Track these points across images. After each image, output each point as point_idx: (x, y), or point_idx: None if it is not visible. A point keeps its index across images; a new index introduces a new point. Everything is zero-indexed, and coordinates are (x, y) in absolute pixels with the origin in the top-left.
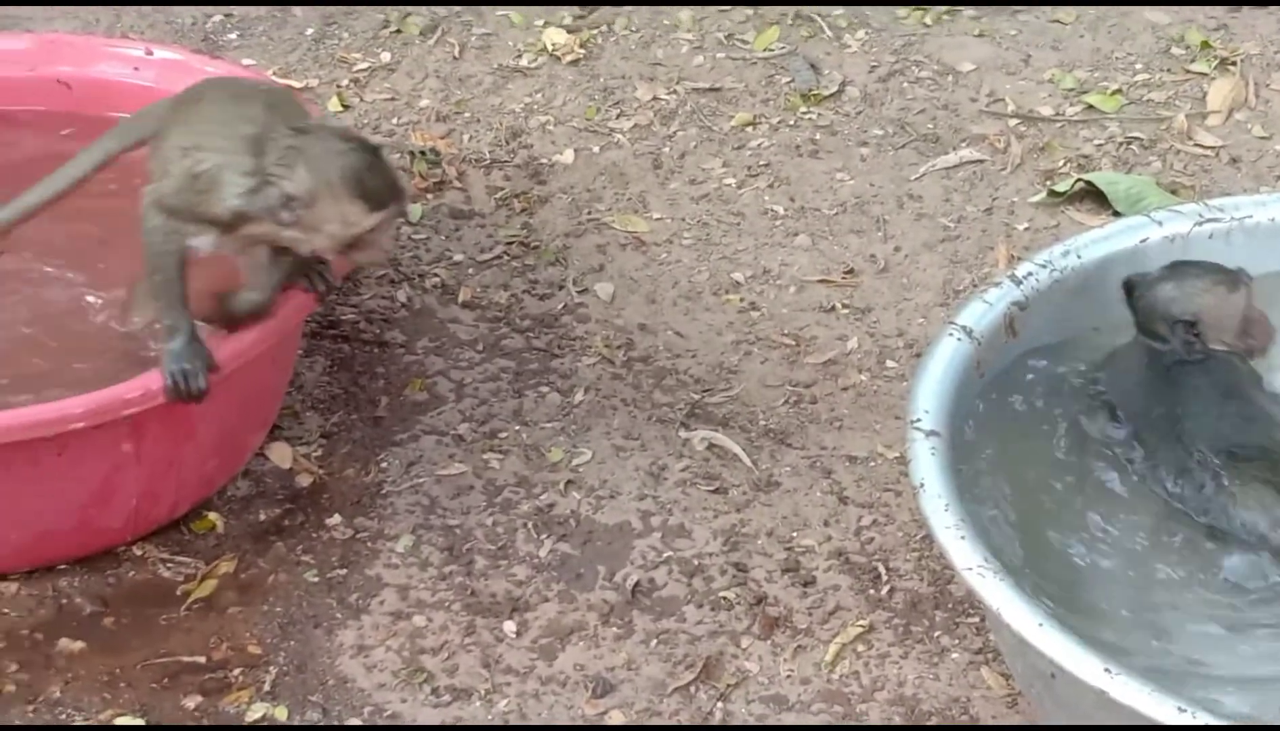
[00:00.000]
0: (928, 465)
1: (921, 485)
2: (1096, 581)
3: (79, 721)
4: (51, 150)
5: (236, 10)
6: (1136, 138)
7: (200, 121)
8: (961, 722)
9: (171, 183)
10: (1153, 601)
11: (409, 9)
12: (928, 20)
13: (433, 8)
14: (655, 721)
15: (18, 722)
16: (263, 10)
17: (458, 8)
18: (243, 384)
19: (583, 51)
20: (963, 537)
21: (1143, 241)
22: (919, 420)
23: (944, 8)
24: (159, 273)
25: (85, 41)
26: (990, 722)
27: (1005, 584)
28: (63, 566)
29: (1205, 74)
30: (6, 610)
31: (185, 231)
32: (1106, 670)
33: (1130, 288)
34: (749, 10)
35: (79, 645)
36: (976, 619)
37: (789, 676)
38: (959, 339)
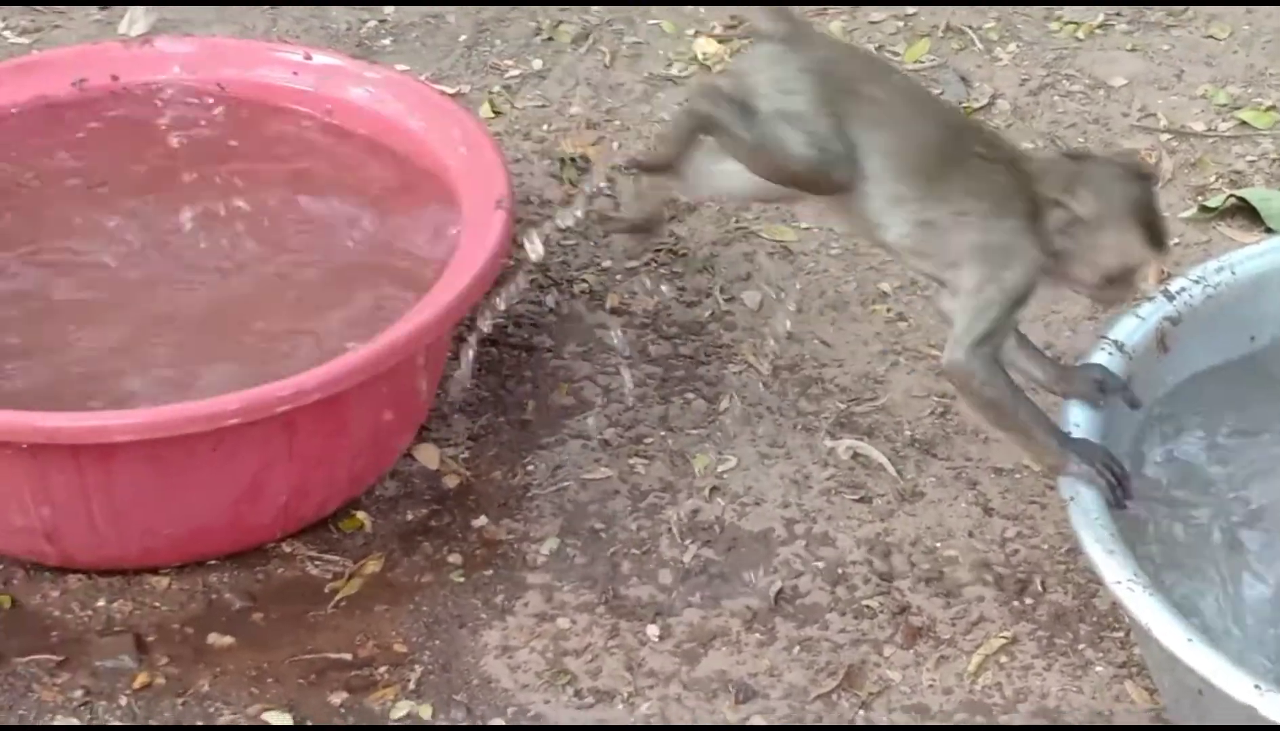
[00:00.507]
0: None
1: (1072, 498)
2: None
3: (227, 715)
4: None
5: (391, 16)
6: None
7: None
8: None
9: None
10: None
11: (561, 18)
12: (1080, 34)
13: (585, 17)
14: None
15: (168, 715)
16: (416, 16)
17: (609, 16)
18: (396, 383)
19: (733, 62)
20: (1112, 552)
21: None
22: (1070, 433)
23: (1097, 21)
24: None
25: (246, 46)
26: None
27: (1155, 599)
28: (213, 562)
29: None
30: (158, 604)
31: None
32: (1257, 687)
33: None
34: (900, 22)
35: (228, 640)
36: (1121, 633)
37: (931, 686)
38: (1110, 353)
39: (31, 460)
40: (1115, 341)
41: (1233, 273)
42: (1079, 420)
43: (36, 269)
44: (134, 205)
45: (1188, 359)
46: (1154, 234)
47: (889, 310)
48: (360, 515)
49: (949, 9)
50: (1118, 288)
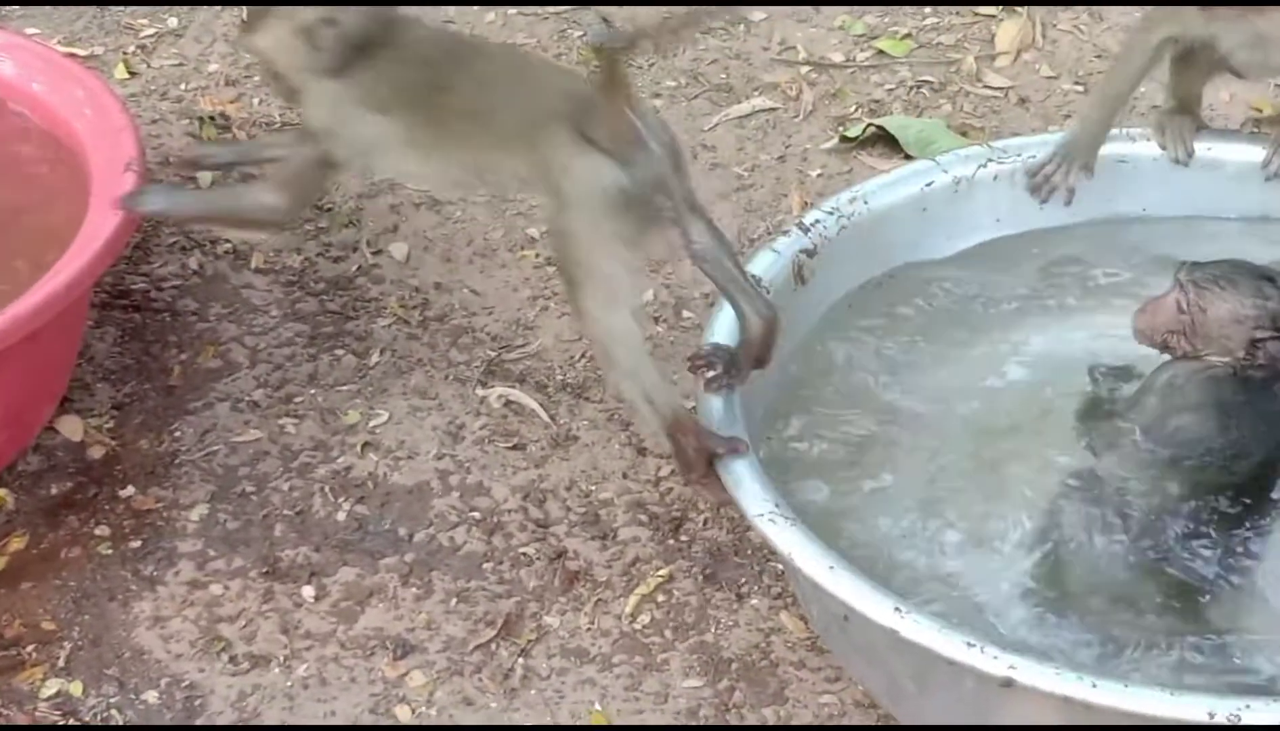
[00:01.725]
0: (718, 411)
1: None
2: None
3: None
4: None
5: None
6: (927, 81)
7: None
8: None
9: None
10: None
11: None
12: None
13: None
14: (456, 679)
15: None
16: None
17: None
18: (28, 356)
19: None
20: (755, 484)
21: (928, 186)
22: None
23: None
24: None
25: None
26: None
27: (797, 529)
28: None
29: (993, 16)
30: None
31: None
32: (897, 609)
33: None
34: None
35: None
36: (776, 565)
37: (590, 629)
38: None
39: None
40: (754, 276)
41: (865, 202)
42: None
43: None
44: None
45: (826, 290)
46: None
47: (537, 255)
48: (2, 492)
49: None
50: None
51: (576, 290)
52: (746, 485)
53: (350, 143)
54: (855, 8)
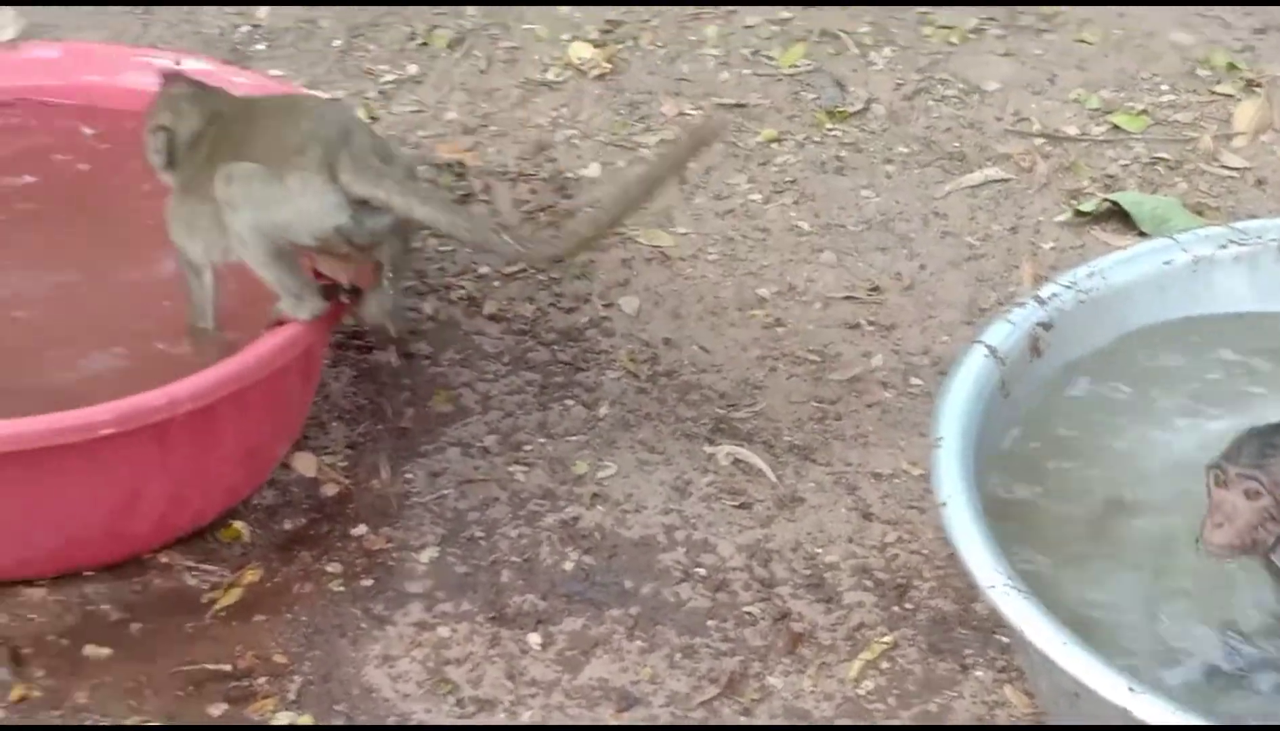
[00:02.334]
0: (952, 482)
1: (945, 503)
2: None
3: (105, 727)
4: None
5: (265, 21)
6: (1162, 158)
7: None
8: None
9: None
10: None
11: (436, 22)
12: (953, 39)
13: (459, 21)
14: None
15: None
16: (290, 21)
17: (485, 21)
18: (269, 393)
19: (609, 66)
20: (986, 554)
21: (1166, 263)
22: (943, 437)
23: (970, 26)
24: None
25: (116, 51)
26: None
27: (1029, 601)
28: (89, 573)
29: (1231, 96)
30: (34, 615)
31: None
32: (1131, 689)
33: None
34: (775, 26)
35: (105, 652)
36: (1001, 638)
37: (813, 692)
38: (985, 356)
39: None
40: (989, 346)
41: (1103, 278)
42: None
43: None
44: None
45: (1061, 364)
46: None
47: (766, 315)
48: (238, 525)
49: (821, 12)
50: None
51: None
52: (978, 554)
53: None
54: (1092, 82)
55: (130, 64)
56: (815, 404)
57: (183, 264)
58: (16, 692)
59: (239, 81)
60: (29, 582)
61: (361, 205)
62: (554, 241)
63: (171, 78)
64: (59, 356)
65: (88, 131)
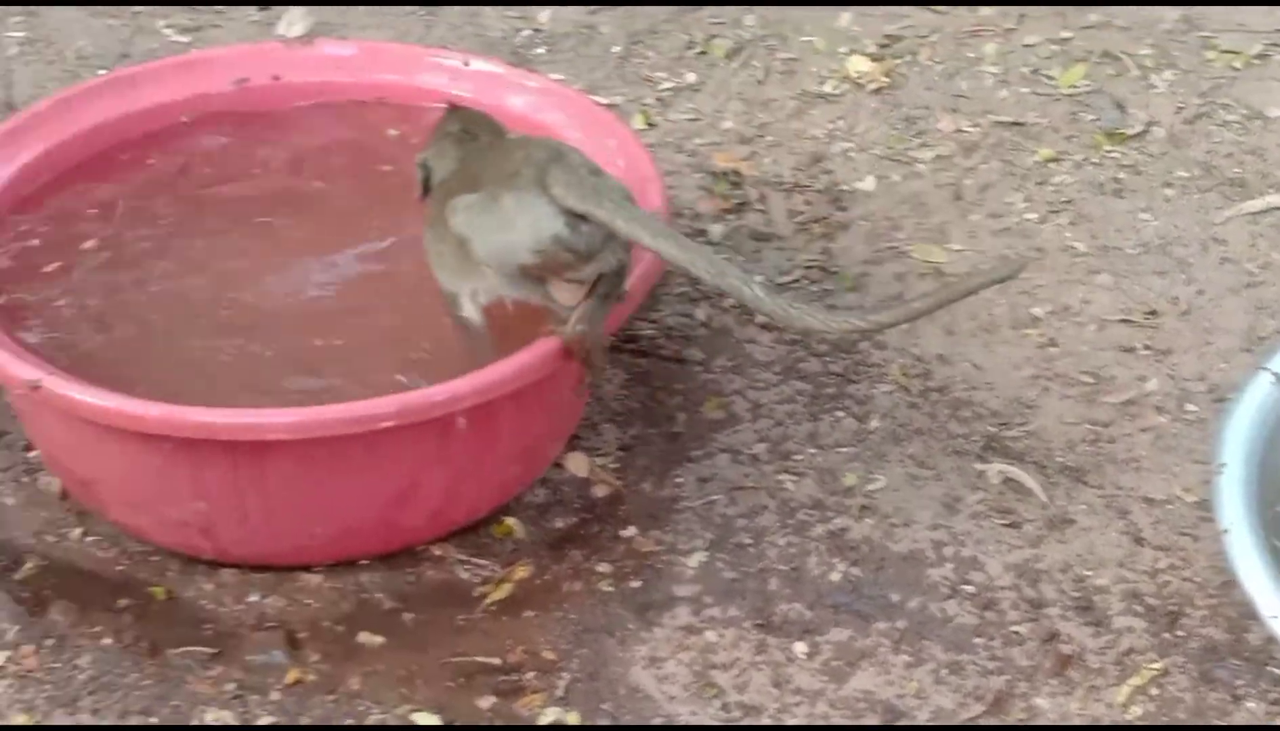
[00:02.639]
0: (1235, 509)
1: (1227, 530)
2: None
3: (377, 714)
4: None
5: (546, 25)
6: None
7: None
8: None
9: None
10: None
11: (714, 32)
12: (1236, 64)
13: (738, 32)
14: None
15: (319, 712)
16: (570, 26)
17: (763, 32)
18: (548, 392)
19: (886, 80)
20: (1269, 582)
21: None
22: (1226, 463)
23: (1255, 51)
24: None
25: (405, 50)
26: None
27: None
28: (364, 562)
29: None
30: (310, 601)
31: None
32: None
33: None
34: (1055, 46)
35: (379, 640)
36: (1276, 669)
37: (1080, 715)
38: (1271, 383)
39: (189, 454)
40: (1275, 374)
41: None
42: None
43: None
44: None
45: None
46: None
47: (1040, 335)
48: (510, 521)
49: (1101, 32)
50: None
51: None
52: (1260, 581)
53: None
54: None
55: (425, 64)
56: (1088, 426)
57: (453, 319)
58: (292, 675)
59: (530, 85)
60: (306, 569)
61: (577, 217)
62: (817, 318)
63: (451, 113)
64: (354, 349)
65: (392, 132)
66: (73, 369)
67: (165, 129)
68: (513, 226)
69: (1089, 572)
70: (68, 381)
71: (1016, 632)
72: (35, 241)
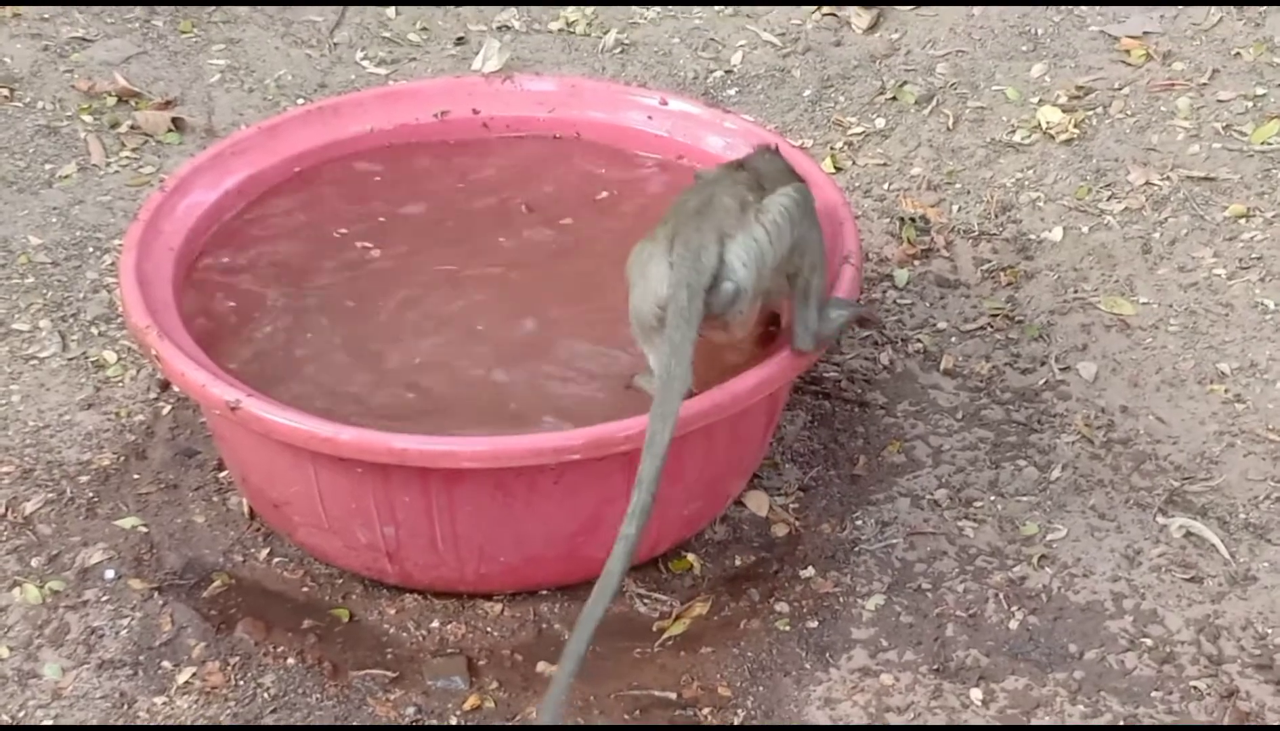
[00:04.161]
0: None
1: None
2: None
3: None
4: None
5: (737, 66)
6: None
7: None
8: None
9: None
10: None
11: (905, 78)
12: None
13: (929, 80)
14: None
15: None
16: (762, 69)
17: (953, 81)
18: (733, 430)
19: (1077, 131)
20: None
21: None
22: None
23: None
24: None
25: (603, 87)
26: None
27: None
28: (544, 592)
29: None
30: (490, 629)
31: None
32: None
33: None
34: (1248, 102)
35: (556, 670)
36: None
37: None
38: None
39: (381, 479)
40: None
41: None
42: None
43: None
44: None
45: None
46: None
47: (1226, 391)
48: (690, 557)
49: None
50: None
51: None
52: None
53: None
54: None
55: (623, 101)
56: (1273, 482)
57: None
58: (471, 701)
59: (728, 126)
60: (487, 596)
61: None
62: None
63: (759, 152)
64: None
65: (601, 171)
66: (268, 391)
67: (365, 155)
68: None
69: (1270, 630)
70: (266, 403)
71: (1195, 688)
72: (239, 262)
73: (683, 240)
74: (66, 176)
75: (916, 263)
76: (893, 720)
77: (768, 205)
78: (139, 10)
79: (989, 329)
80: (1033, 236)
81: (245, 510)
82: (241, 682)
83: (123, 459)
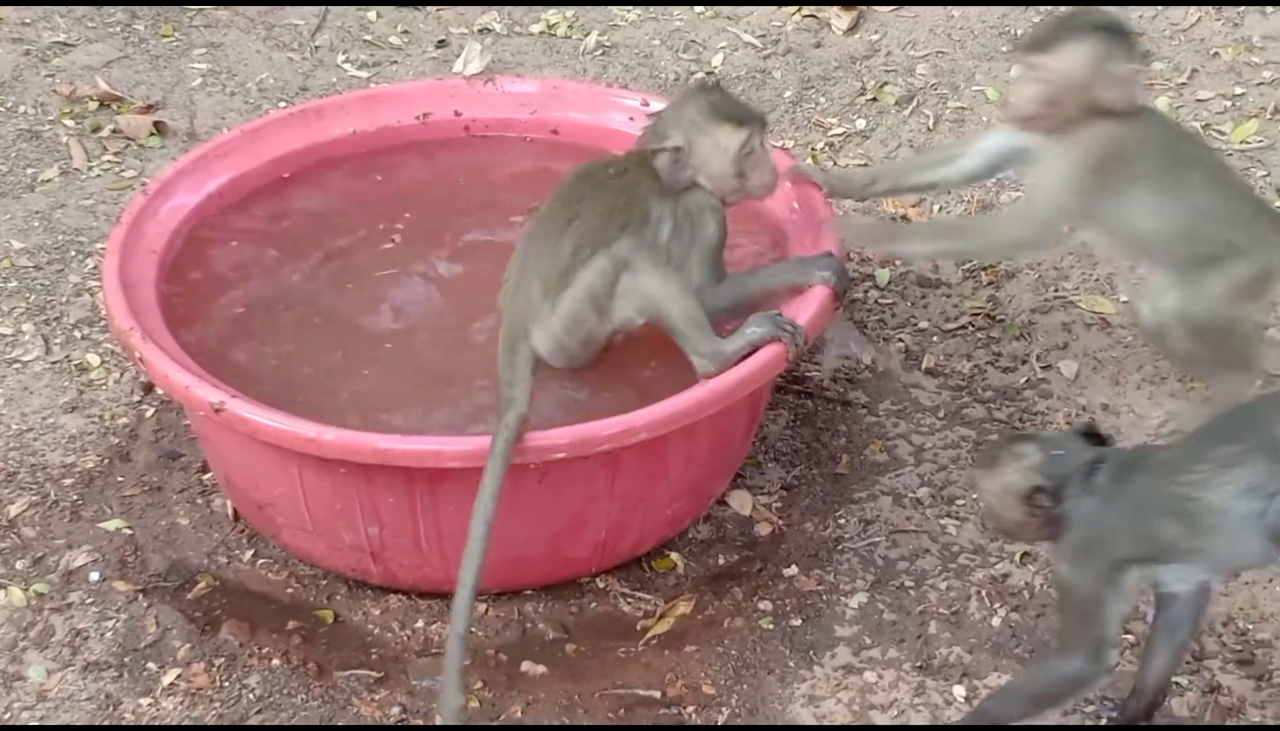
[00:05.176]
0: None
1: None
2: None
3: None
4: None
5: (719, 68)
6: None
7: None
8: None
9: None
10: None
11: (885, 80)
12: None
13: (909, 81)
14: None
15: None
16: (744, 70)
17: (934, 81)
18: (716, 430)
19: None
20: None
21: None
22: None
23: None
24: None
25: (585, 89)
26: None
27: None
28: (529, 592)
29: None
30: (474, 629)
31: None
32: None
33: None
34: (1227, 102)
35: (541, 669)
36: None
37: None
38: None
39: (365, 479)
40: None
41: None
42: None
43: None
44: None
45: None
46: (732, 117)
47: (1207, 388)
48: (673, 556)
49: (1276, 90)
50: (755, 177)
51: None
52: None
53: None
54: None
55: (604, 102)
56: None
57: None
58: None
59: None
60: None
61: None
62: None
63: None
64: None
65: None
66: (253, 393)
67: (347, 157)
68: None
69: (1251, 626)
70: (250, 404)
71: (1177, 684)
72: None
73: (506, 320)
74: (49, 180)
75: (898, 262)
76: (876, 717)
77: (575, 282)
78: (120, 14)
79: (970, 328)
80: None
81: (229, 512)
82: (227, 684)
83: (107, 461)
